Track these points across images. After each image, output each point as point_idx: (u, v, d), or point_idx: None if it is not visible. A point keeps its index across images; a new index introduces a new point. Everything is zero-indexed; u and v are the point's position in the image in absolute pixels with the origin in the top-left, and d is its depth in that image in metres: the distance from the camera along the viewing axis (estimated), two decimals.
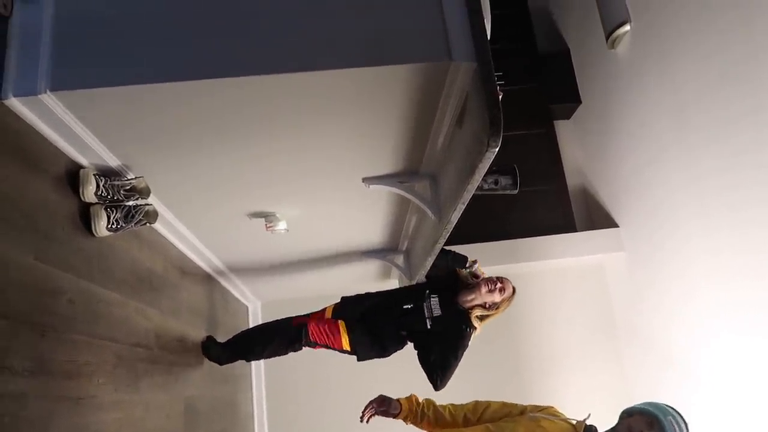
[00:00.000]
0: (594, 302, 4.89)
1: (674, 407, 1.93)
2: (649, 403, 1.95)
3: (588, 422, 2.01)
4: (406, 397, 2.22)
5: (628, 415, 1.96)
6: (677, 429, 1.84)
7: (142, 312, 2.37)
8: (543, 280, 4.84)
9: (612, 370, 4.65)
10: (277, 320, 3.24)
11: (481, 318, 2.96)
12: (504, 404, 2.16)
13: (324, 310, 3.19)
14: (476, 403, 2.20)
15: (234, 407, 3.90)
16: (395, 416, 2.20)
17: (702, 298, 3.59)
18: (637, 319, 4.48)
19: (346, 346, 3.05)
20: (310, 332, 3.06)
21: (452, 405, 2.23)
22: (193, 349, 3.02)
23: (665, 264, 3.97)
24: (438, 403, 2.26)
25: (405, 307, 3.05)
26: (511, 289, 2.99)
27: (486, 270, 3.23)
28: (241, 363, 4.19)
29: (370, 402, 2.22)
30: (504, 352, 4.77)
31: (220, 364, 3.22)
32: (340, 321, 3.09)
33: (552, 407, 2.12)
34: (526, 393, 4.67)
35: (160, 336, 2.53)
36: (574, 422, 2.03)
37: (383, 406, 2.20)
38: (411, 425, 2.22)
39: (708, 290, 3.53)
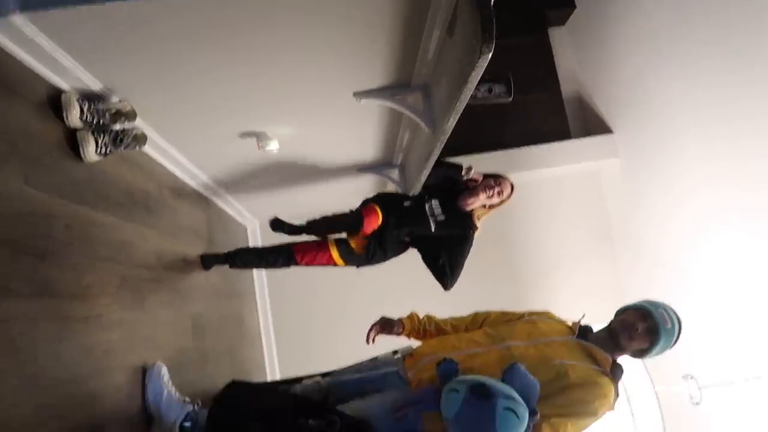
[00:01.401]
0: (589, 208, 4.95)
1: (666, 304, 2.01)
2: (642, 300, 2.03)
3: (583, 323, 2.09)
4: (407, 316, 2.28)
5: (622, 312, 2.04)
6: (668, 320, 1.92)
7: (140, 234, 2.39)
8: (539, 188, 4.87)
9: (606, 273, 4.78)
10: (276, 246, 3.27)
11: (482, 216, 3.06)
12: (503, 313, 2.24)
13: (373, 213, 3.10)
14: (476, 314, 2.27)
15: (240, 322, 4.04)
16: (399, 334, 2.27)
17: (695, 201, 3.64)
18: (631, 223, 4.55)
19: (339, 261, 3.13)
20: (297, 259, 3.15)
21: (453, 318, 2.29)
22: (196, 268, 3.08)
23: (660, 169, 3.98)
24: (438, 317, 2.33)
25: (405, 204, 3.09)
26: (509, 189, 3.06)
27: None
28: (244, 278, 4.31)
29: (373, 325, 2.28)
30: (500, 259, 4.88)
31: (229, 265, 3.29)
32: (329, 240, 3.16)
33: (548, 312, 2.20)
34: (522, 299, 4.83)
35: (161, 257, 2.58)
36: (570, 323, 2.10)
37: (386, 327, 2.27)
38: (414, 340, 2.29)
39: (701, 194, 3.56)
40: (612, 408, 1.90)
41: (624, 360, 2.00)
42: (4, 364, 1.39)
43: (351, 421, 1.75)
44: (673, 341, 1.94)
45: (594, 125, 4.84)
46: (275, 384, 2.78)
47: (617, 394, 1.91)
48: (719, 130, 3.28)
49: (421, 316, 2.28)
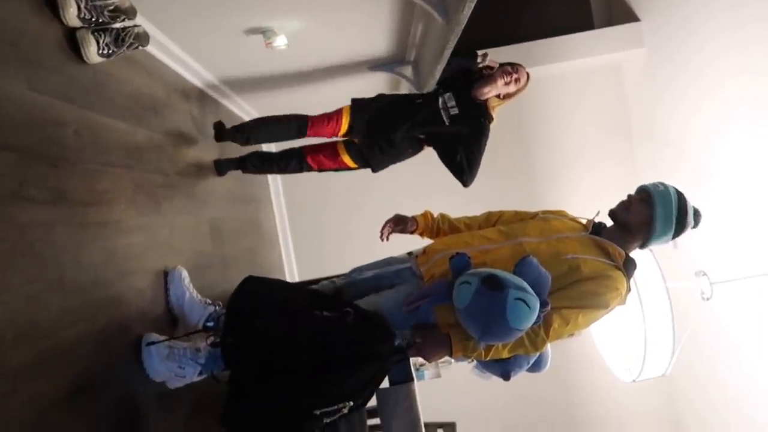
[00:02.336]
0: (609, 103, 4.80)
1: (683, 197, 1.98)
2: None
3: (597, 220, 2.07)
4: (421, 214, 2.26)
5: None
6: (660, 186, 1.97)
7: (151, 139, 2.36)
8: (557, 83, 4.70)
9: (624, 169, 4.71)
10: (288, 150, 3.22)
11: (497, 106, 2.96)
12: (516, 212, 2.21)
13: (338, 117, 3.03)
14: (489, 213, 2.24)
15: (257, 225, 4.09)
16: (412, 232, 2.26)
17: (722, 92, 3.48)
18: (653, 117, 4.41)
19: (351, 163, 3.09)
20: (309, 163, 3.12)
21: (466, 217, 2.27)
22: (210, 173, 3.07)
23: (687, 58, 3.78)
24: (452, 217, 2.31)
25: (417, 101, 3.00)
26: (525, 77, 2.95)
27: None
28: (260, 183, 4.32)
29: (387, 222, 2.27)
30: (517, 157, 4.83)
31: (242, 170, 3.27)
32: (338, 143, 3.10)
33: (562, 211, 2.17)
34: (539, 196, 4.82)
35: (174, 162, 2.56)
36: (584, 221, 2.08)
37: (400, 224, 2.25)
38: (427, 238, 2.29)
39: (729, 84, 3.39)
40: (624, 302, 1.92)
41: (637, 256, 2.00)
42: (27, 269, 1.40)
43: (364, 313, 1.80)
44: (674, 210, 1.92)
45: (619, 14, 4.56)
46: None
47: (629, 289, 1.92)
48: (754, 10, 3.07)
49: (435, 215, 2.27)
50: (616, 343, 3.13)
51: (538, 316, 1.64)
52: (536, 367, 2.09)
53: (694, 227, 2.02)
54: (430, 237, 2.26)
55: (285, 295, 1.91)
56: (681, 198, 1.96)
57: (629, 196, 2.02)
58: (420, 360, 3.96)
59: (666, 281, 2.94)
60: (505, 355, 1.80)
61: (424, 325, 1.85)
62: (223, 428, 1.67)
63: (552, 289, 1.72)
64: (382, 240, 2.27)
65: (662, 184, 1.99)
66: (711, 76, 3.57)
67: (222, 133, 3.02)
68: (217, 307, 2.17)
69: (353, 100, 3.05)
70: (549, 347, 2.06)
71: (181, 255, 2.36)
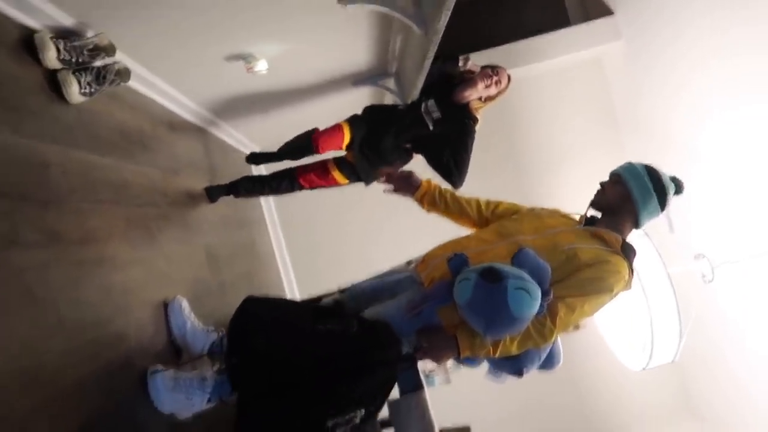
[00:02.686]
0: (593, 97, 4.83)
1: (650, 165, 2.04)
2: None
3: (589, 214, 2.09)
4: (426, 179, 2.24)
5: None
6: (636, 168, 2.03)
7: (140, 173, 2.36)
8: (540, 82, 4.73)
9: (614, 160, 4.69)
10: (278, 172, 3.23)
11: (480, 108, 2.98)
12: (513, 204, 2.22)
13: (340, 128, 3.05)
14: (487, 201, 2.23)
15: (253, 249, 4.08)
16: (413, 192, 2.21)
17: (702, 75, 3.51)
18: (638, 106, 4.44)
19: (342, 180, 3.11)
20: (301, 183, 3.14)
21: (464, 197, 2.25)
22: (202, 201, 3.07)
23: (665, 45, 3.82)
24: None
25: (400, 108, 3.04)
26: (506, 79, 2.98)
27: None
28: (252, 206, 4.32)
29: (391, 173, 2.24)
30: (507, 157, 4.85)
31: (234, 195, 3.28)
32: (328, 161, 3.13)
33: (556, 209, 2.18)
34: (531, 194, 4.81)
35: (166, 193, 2.56)
36: (577, 217, 2.10)
37: (405, 178, 2.21)
38: (424, 209, 2.24)
39: (709, 67, 3.43)
40: (628, 286, 1.91)
41: (635, 244, 2.01)
42: (27, 313, 1.40)
43: (368, 323, 1.80)
44: (646, 177, 1.99)
45: (593, 8, 4.60)
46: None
47: (632, 272, 1.91)
48: None
49: (442, 189, 2.24)
50: (623, 333, 3.12)
51: (542, 305, 1.64)
52: (549, 363, 2.06)
53: (678, 192, 2.05)
54: (429, 205, 2.21)
55: (285, 312, 1.91)
56: (649, 167, 2.03)
57: (601, 183, 2.09)
58: (429, 366, 3.96)
59: (666, 267, 2.95)
60: (514, 350, 1.79)
61: (429, 328, 1.85)
62: None
63: (553, 280, 1.72)
64: (384, 190, 2.24)
65: (628, 162, 2.08)
66: (689, 62, 3.60)
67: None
68: (219, 334, 2.17)
69: (347, 118, 3.08)
70: (560, 343, 2.05)
71: (180, 285, 2.35)
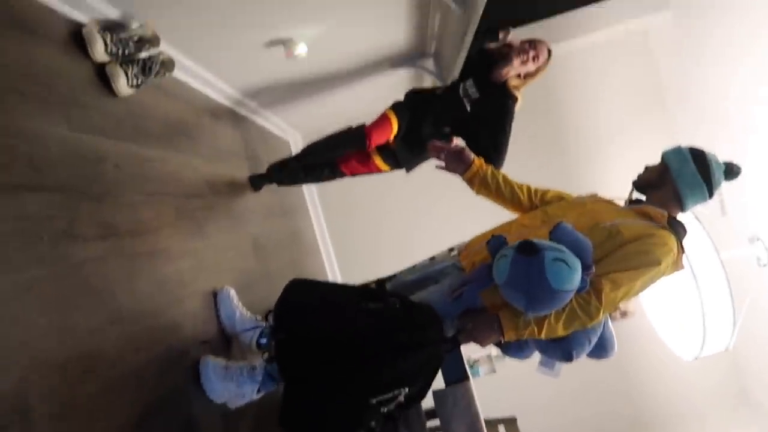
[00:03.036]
0: (639, 73, 4.66)
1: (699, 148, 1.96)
2: None
3: (634, 197, 2.02)
4: (479, 159, 2.15)
5: None
6: (679, 148, 1.97)
7: (187, 164, 2.39)
8: (583, 57, 4.58)
9: (663, 140, 4.54)
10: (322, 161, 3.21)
11: (520, 86, 2.88)
12: (560, 192, 2.16)
13: (389, 119, 2.96)
14: (537, 187, 2.16)
15: (298, 237, 4.11)
16: (465, 171, 2.12)
17: (760, 45, 3.33)
18: (689, 81, 4.25)
19: (384, 167, 3.08)
20: (343, 170, 3.11)
21: (515, 181, 2.17)
22: (246, 190, 3.09)
23: (718, 16, 3.63)
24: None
25: (438, 93, 2.97)
26: (546, 54, 2.84)
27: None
28: (295, 194, 4.34)
29: (445, 146, 2.15)
30: (549, 137, 4.73)
31: (277, 183, 3.28)
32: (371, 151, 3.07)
33: (603, 197, 2.12)
34: (574, 175, 4.71)
35: (211, 183, 2.58)
36: (621, 202, 2.03)
37: (458, 155, 2.12)
38: (473, 190, 2.16)
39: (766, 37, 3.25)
40: (679, 264, 1.83)
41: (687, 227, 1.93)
42: (86, 304, 1.44)
43: (410, 302, 1.79)
44: (688, 155, 1.93)
45: None
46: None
47: (682, 248, 1.84)
48: None
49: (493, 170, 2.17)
50: (674, 320, 3.04)
51: (584, 280, 1.59)
52: (601, 351, 1.98)
53: (730, 178, 1.95)
54: (480, 185, 2.13)
55: (330, 291, 1.92)
56: (695, 150, 1.96)
57: (646, 165, 2.06)
58: (473, 357, 3.94)
59: (719, 251, 2.85)
60: (561, 330, 1.73)
61: (471, 310, 1.83)
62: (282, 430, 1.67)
63: (595, 258, 1.67)
64: (436, 167, 2.17)
65: (677, 145, 2.02)
66: (744, 31, 3.42)
67: (266, 179, 3.12)
68: (265, 324, 2.19)
69: (391, 106, 3.01)
70: (612, 330, 1.99)
71: (228, 275, 2.38)
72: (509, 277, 1.60)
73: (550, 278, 1.53)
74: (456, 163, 2.13)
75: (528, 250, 1.56)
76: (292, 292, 1.83)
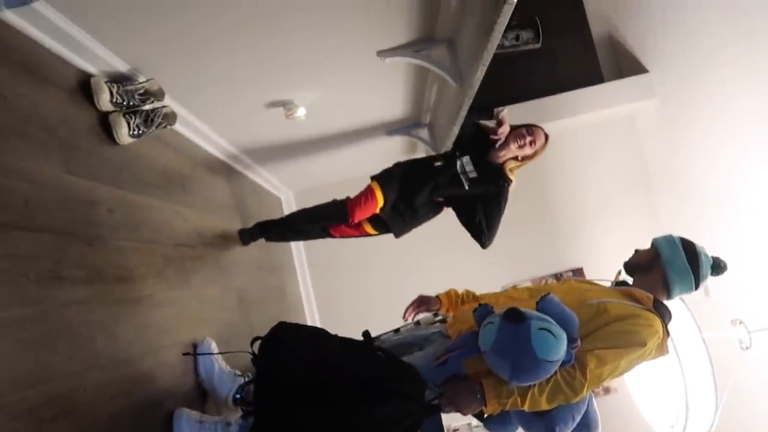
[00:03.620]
0: (626, 155, 4.82)
1: (689, 239, 2.02)
2: None
3: (620, 279, 2.07)
4: (445, 292, 2.25)
5: None
6: (671, 236, 2.02)
7: (179, 213, 2.42)
8: (573, 137, 4.76)
9: (648, 220, 4.68)
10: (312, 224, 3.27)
11: (515, 169, 2.98)
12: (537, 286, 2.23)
13: (373, 194, 3.05)
14: (513, 288, 2.26)
15: (283, 293, 4.10)
16: (437, 311, 2.25)
17: (740, 136, 3.48)
18: (673, 164, 4.41)
19: (373, 231, 3.14)
20: (331, 232, 3.19)
21: (490, 293, 2.27)
22: (235, 243, 3.11)
23: (700, 105, 3.82)
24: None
25: (436, 164, 3.04)
26: (543, 138, 2.93)
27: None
28: (283, 250, 4.36)
29: (412, 303, 2.26)
30: (537, 212, 4.82)
31: (266, 238, 3.32)
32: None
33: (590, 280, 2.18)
34: (561, 251, 4.78)
35: (201, 234, 2.61)
36: (608, 284, 2.08)
37: (423, 304, 2.24)
38: (452, 314, 2.26)
39: (747, 128, 3.40)
40: (664, 348, 1.86)
41: (671, 308, 1.97)
42: (66, 347, 1.43)
43: (394, 356, 1.78)
44: (678, 244, 1.98)
45: (627, 66, 4.65)
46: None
47: (667, 332, 1.86)
48: (765, 59, 3.10)
49: (459, 291, 2.26)
50: (657, 400, 3.01)
51: (569, 353, 1.61)
52: (585, 429, 1.96)
53: (717, 272, 2.00)
54: (455, 312, 2.23)
55: (316, 333, 1.91)
56: (686, 240, 2.02)
57: (636, 249, 2.11)
58: (454, 425, 3.85)
59: (702, 332, 2.87)
60: (544, 403, 1.72)
61: (455, 377, 1.82)
62: None
63: (581, 334, 1.69)
64: (404, 319, 2.25)
65: (668, 234, 2.09)
66: (726, 120, 3.58)
67: (255, 232, 3.17)
68: (246, 378, 2.16)
69: (376, 177, 3.08)
70: (597, 409, 1.98)
71: (210, 326, 2.37)
72: (495, 343, 1.61)
73: (536, 347, 1.55)
74: (425, 305, 2.25)
75: (515, 317, 1.59)
76: (280, 330, 1.83)
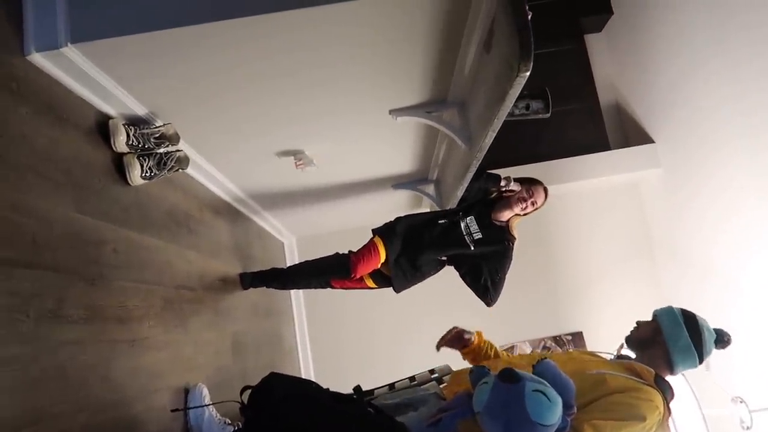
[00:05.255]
0: (629, 222, 4.85)
1: (691, 312, 1.98)
2: None
3: (623, 352, 2.05)
4: (477, 332, 2.23)
5: None
6: (671, 308, 1.97)
7: (182, 255, 2.43)
8: (577, 200, 4.80)
9: (649, 289, 4.66)
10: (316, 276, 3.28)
11: (516, 221, 3.04)
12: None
13: (376, 249, 3.06)
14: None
15: (278, 340, 4.07)
16: (466, 346, 2.20)
17: (744, 211, 3.51)
18: (676, 235, 4.42)
19: (373, 285, 3.14)
20: (333, 286, 3.21)
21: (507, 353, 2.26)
22: (235, 287, 3.12)
23: (705, 178, 3.86)
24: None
25: (440, 222, 3.07)
26: (543, 196, 3.02)
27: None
28: (282, 296, 4.34)
29: (447, 334, 2.22)
30: (539, 273, 4.81)
31: (266, 285, 3.33)
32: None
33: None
34: (562, 314, 4.74)
35: (202, 277, 2.62)
36: (607, 356, 2.06)
37: (457, 339, 2.20)
38: (469, 359, 2.23)
39: (750, 204, 3.44)
40: (665, 426, 1.80)
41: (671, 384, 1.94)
42: (56, 387, 1.42)
43: (385, 414, 1.75)
44: (680, 318, 1.94)
45: (634, 135, 4.74)
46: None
47: (668, 409, 1.82)
48: None
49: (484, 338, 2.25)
50: None
51: (564, 420, 1.57)
52: None
53: (721, 345, 1.97)
54: (473, 359, 2.20)
55: (307, 386, 1.89)
56: (688, 313, 1.98)
57: (638, 321, 2.07)
58: None
59: (702, 408, 2.82)
60: None
61: None
62: None
63: (579, 404, 1.66)
64: (438, 350, 2.22)
65: (669, 306, 2.04)
66: (730, 195, 3.62)
67: (256, 279, 3.19)
68: (235, 427, 2.12)
69: (379, 233, 3.09)
70: None
71: (203, 370, 2.35)
72: (488, 403, 1.59)
73: (530, 409, 1.52)
74: (458, 340, 2.21)
75: (509, 377, 1.57)
76: (271, 379, 1.81)
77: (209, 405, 2.15)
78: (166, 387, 1.99)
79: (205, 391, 2.18)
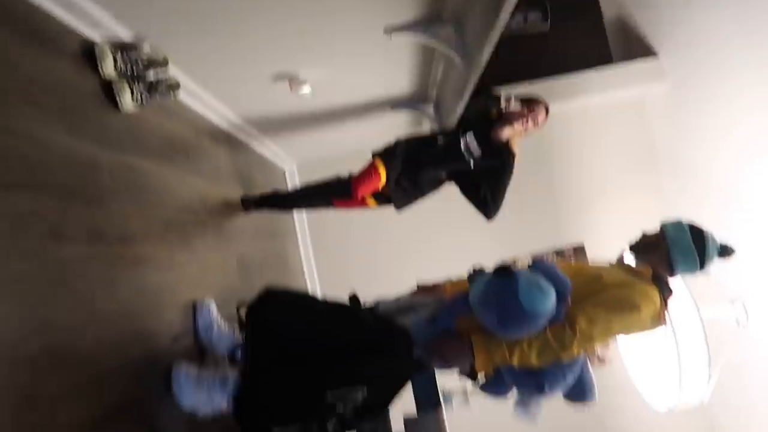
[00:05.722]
0: (634, 136, 4.79)
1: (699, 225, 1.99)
2: None
3: (625, 262, 2.09)
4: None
5: None
6: (677, 220, 1.99)
7: (182, 180, 2.48)
8: (581, 118, 4.73)
9: (652, 200, 4.67)
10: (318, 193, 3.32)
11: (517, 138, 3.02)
12: None
13: (376, 171, 3.06)
14: None
15: (283, 259, 4.17)
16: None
17: (749, 123, 3.46)
18: (679, 148, 4.39)
19: (374, 204, 3.18)
20: (334, 204, 3.23)
21: None
22: (237, 210, 3.18)
23: (710, 91, 3.78)
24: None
25: (439, 139, 3.08)
26: (543, 113, 2.99)
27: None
28: (285, 218, 4.42)
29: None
30: (542, 190, 4.82)
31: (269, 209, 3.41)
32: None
33: None
34: (564, 229, 4.80)
35: (204, 201, 2.67)
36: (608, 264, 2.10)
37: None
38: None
39: (755, 116, 3.38)
40: (662, 319, 1.85)
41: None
42: (65, 302, 1.49)
43: (383, 317, 1.84)
44: (685, 226, 1.97)
45: (637, 49, 4.59)
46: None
47: (665, 304, 1.87)
48: None
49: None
50: (651, 372, 3.07)
51: (559, 311, 1.64)
52: (580, 394, 1.98)
53: (724, 255, 2.00)
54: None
55: (304, 295, 1.98)
56: (692, 224, 2.00)
57: (644, 230, 2.10)
58: (448, 386, 3.93)
59: (699, 308, 2.90)
60: (534, 359, 1.74)
61: (445, 332, 1.85)
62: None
63: (575, 298, 1.72)
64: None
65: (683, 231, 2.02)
66: (735, 107, 3.55)
67: (258, 203, 3.23)
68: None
69: (379, 154, 3.09)
70: (593, 376, 2.00)
71: (210, 289, 2.44)
72: (483, 294, 1.66)
73: (522, 298, 1.59)
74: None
75: (504, 272, 1.64)
76: (267, 290, 1.91)
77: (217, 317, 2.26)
78: (173, 303, 2.08)
79: (213, 306, 2.28)
